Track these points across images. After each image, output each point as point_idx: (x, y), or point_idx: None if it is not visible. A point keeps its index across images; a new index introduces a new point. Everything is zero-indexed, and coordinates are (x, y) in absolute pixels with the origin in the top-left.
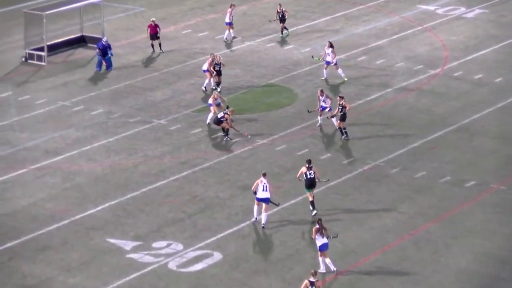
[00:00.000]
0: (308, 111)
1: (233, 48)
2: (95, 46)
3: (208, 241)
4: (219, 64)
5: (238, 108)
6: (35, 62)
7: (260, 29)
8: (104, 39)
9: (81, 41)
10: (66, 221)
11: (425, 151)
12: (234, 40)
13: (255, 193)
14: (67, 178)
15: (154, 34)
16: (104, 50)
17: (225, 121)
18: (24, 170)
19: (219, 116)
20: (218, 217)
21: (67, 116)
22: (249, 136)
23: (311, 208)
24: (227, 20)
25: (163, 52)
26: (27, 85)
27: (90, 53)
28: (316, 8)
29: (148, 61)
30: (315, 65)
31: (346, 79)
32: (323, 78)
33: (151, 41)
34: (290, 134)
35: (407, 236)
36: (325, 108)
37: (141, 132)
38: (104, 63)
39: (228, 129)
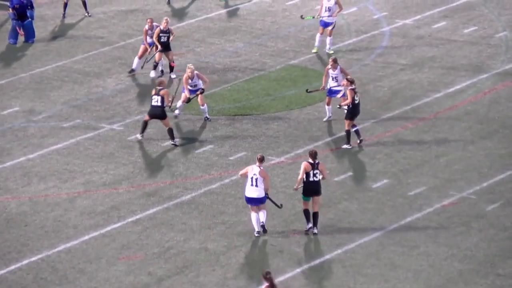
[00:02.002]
0: (307, 91)
1: (231, 8)
2: (8, 4)
3: None
4: (166, 31)
5: (239, 106)
6: None
7: None
8: None
9: None
10: None
11: None
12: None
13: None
14: None
15: None
16: (22, 10)
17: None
18: None
19: (154, 102)
20: (205, 283)
21: None
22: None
23: (310, 225)
24: None
25: (89, 16)
26: None
27: (1, 15)
28: None
29: (94, 28)
30: (365, 34)
31: (331, 52)
32: (314, 51)
33: None
34: (324, 147)
35: None
36: (336, 92)
37: (82, 144)
38: (20, 32)
39: (171, 129)
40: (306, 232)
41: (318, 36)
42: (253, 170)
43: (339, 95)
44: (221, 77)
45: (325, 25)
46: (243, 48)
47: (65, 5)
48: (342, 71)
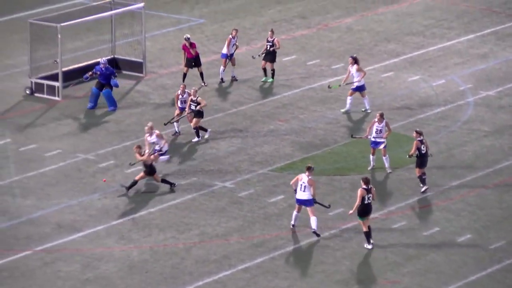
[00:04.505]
0: (351, 136)
1: (331, 80)
2: (94, 69)
3: None
4: (195, 100)
5: (338, 167)
6: (44, 96)
7: (373, 52)
8: (103, 60)
9: (112, 66)
10: None
11: None
12: (235, 82)
13: (295, 191)
14: (90, 266)
15: (192, 58)
16: (101, 78)
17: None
18: (28, 252)
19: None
20: None
21: (91, 176)
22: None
23: (369, 243)
24: (224, 51)
25: (206, 86)
26: (32, 129)
27: (125, 83)
28: (454, 22)
29: (209, 97)
30: (452, 104)
31: (369, 111)
32: (344, 110)
33: (186, 68)
34: (414, 204)
35: None
36: (379, 143)
37: (197, 200)
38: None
39: (165, 180)
40: (370, 248)
41: (348, 98)
42: (303, 178)
43: (381, 146)
44: (322, 141)
45: (355, 89)
46: (341, 115)
47: (184, 75)
48: (386, 124)
